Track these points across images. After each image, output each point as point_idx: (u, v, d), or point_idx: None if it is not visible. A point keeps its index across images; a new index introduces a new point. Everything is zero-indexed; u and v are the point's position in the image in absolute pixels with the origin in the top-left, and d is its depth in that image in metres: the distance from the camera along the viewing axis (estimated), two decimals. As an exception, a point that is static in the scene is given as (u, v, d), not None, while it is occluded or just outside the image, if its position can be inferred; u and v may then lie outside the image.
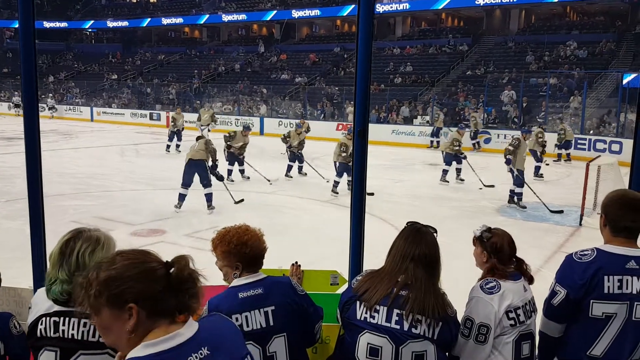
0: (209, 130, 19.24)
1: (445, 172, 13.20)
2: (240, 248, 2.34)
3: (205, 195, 9.77)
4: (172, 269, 1.44)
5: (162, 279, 1.41)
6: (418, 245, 2.31)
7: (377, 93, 28.40)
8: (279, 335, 2.31)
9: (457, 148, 13.01)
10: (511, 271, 2.51)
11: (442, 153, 13.52)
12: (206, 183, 9.75)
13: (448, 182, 13.07)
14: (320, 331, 2.54)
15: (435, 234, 2.39)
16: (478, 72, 29.01)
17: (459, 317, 2.41)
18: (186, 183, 9.70)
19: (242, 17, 40.71)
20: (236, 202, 10.31)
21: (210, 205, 9.76)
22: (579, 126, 21.12)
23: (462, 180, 13.19)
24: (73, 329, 1.96)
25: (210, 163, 9.89)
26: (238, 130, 13.27)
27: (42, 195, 2.99)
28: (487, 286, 2.42)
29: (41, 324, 2.00)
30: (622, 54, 26.96)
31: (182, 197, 9.69)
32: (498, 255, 2.51)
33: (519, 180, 10.66)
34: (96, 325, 1.44)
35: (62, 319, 1.97)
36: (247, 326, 2.26)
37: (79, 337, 1.95)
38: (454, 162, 13.16)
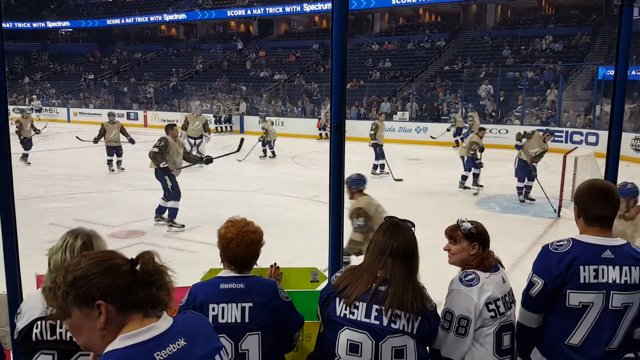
0: (195, 145, 14.27)
1: (464, 177, 11.99)
2: (230, 248, 2.38)
3: (168, 209, 8.55)
4: (138, 264, 1.46)
5: (127, 273, 1.43)
6: (396, 240, 2.32)
7: (357, 89, 28.42)
8: (252, 333, 2.31)
9: (473, 152, 11.73)
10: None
11: (463, 159, 12.10)
12: (166, 195, 8.49)
13: (469, 188, 11.84)
14: (297, 338, 2.55)
15: (413, 228, 2.39)
16: (456, 67, 29.18)
17: (439, 310, 2.41)
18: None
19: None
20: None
21: (170, 222, 8.42)
22: (555, 119, 21.37)
23: (481, 186, 11.84)
24: None
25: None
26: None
27: (13, 198, 2.91)
28: (467, 278, 2.43)
29: (36, 328, 1.99)
30: (597, 47, 27.30)
31: (161, 210, 8.73)
32: (487, 245, 2.53)
33: (532, 175, 10.65)
34: (68, 327, 1.45)
35: (59, 321, 1.97)
36: (222, 318, 2.27)
37: None
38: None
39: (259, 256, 2.46)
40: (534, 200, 10.50)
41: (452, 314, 2.38)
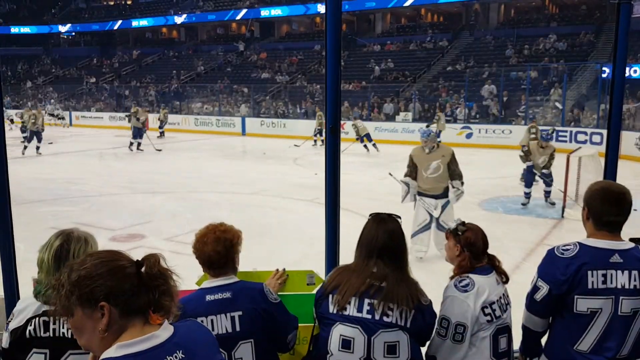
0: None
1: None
2: (199, 247, 2.31)
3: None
4: (143, 267, 1.43)
5: (132, 276, 1.41)
6: (383, 235, 2.31)
7: (359, 90, 28.40)
8: (245, 341, 2.27)
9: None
10: (481, 265, 2.49)
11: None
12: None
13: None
14: (294, 340, 2.50)
15: (399, 220, 2.39)
16: (458, 67, 29.09)
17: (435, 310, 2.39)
18: None
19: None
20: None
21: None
22: (559, 118, 21.29)
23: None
24: (63, 328, 1.96)
25: None
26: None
27: (9, 200, 2.89)
28: (461, 284, 2.41)
29: (30, 325, 1.99)
30: (601, 46, 27.16)
31: None
32: (471, 249, 2.49)
33: (547, 181, 10.44)
34: (70, 326, 1.44)
35: (52, 318, 1.98)
36: (213, 330, 2.22)
37: (70, 336, 1.91)
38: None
39: (234, 257, 2.36)
40: (554, 204, 10.23)
41: (448, 321, 2.36)
